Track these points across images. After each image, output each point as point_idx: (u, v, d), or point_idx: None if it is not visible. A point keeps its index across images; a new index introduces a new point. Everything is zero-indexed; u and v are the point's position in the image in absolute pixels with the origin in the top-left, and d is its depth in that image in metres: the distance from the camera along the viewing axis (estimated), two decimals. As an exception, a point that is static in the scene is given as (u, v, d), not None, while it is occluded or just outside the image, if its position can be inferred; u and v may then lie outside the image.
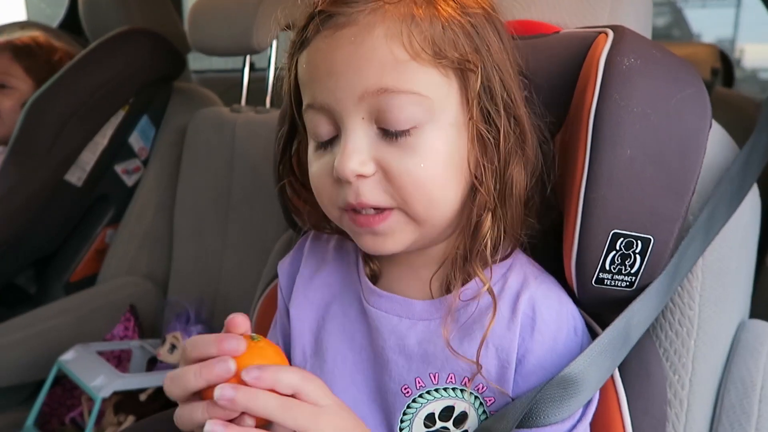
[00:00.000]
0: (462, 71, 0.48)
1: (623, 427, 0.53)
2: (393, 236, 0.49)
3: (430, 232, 0.51)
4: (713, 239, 0.56)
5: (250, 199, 1.22)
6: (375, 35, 0.45)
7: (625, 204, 0.51)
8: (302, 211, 0.62)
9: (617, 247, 0.51)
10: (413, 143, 0.47)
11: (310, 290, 0.59)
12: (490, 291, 0.50)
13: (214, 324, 1.13)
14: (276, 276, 0.79)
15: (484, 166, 0.49)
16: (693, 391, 0.59)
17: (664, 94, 0.51)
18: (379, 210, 0.48)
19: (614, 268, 0.52)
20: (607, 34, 0.57)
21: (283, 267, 0.63)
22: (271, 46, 1.25)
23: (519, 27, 0.60)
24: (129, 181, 1.41)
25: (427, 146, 0.47)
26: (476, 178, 0.49)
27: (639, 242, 0.51)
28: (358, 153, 0.47)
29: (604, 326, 0.56)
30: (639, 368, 0.57)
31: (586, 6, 0.71)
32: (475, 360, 0.49)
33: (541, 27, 0.70)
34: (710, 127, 0.52)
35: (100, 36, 1.35)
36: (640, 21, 0.71)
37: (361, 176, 0.47)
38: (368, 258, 0.57)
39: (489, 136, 0.49)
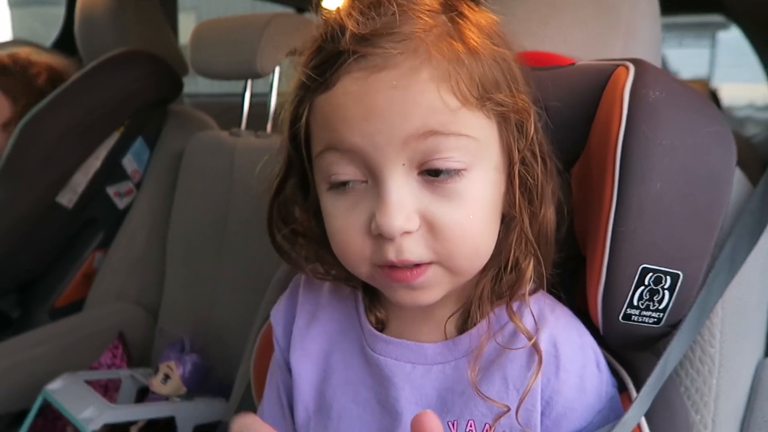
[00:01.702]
0: (502, 113, 0.45)
1: (648, 467, 0.52)
2: (430, 289, 0.46)
3: (464, 281, 0.49)
4: (736, 273, 0.55)
5: (248, 226, 1.19)
6: (422, 79, 0.42)
7: (654, 238, 0.50)
8: (295, 255, 0.57)
9: (646, 282, 0.51)
10: (460, 190, 0.44)
11: (307, 341, 0.55)
12: (536, 346, 0.48)
13: (207, 354, 1.09)
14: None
15: (522, 208, 0.47)
16: (716, 430, 0.57)
17: (690, 128, 0.51)
18: (416, 264, 0.45)
19: (642, 304, 0.51)
20: (627, 67, 0.57)
21: (277, 316, 0.58)
22: (273, 72, 1.24)
23: (532, 58, 0.60)
24: (120, 203, 1.38)
25: (474, 193, 0.44)
26: (516, 219, 0.47)
27: (668, 278, 0.50)
28: (403, 207, 0.43)
29: (626, 363, 0.55)
30: (661, 408, 0.56)
31: (599, 40, 0.72)
32: (501, 403, 0.47)
33: (555, 59, 0.70)
34: (735, 161, 0.52)
35: (95, 56, 1.33)
36: (651, 55, 0.72)
37: (406, 233, 0.43)
38: (373, 306, 0.54)
39: (529, 179, 0.47)
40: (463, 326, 0.51)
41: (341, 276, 0.54)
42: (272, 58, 1.18)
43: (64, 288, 1.33)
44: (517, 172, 0.46)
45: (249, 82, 1.32)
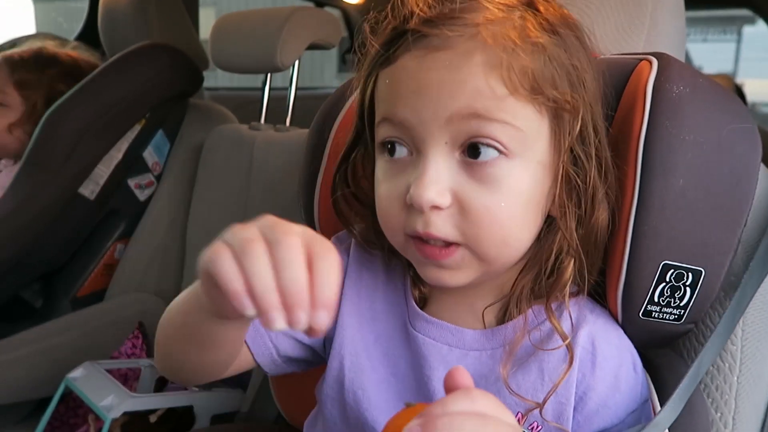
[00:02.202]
0: (556, 110, 0.46)
1: (667, 466, 0.51)
2: (459, 271, 0.47)
3: (496, 270, 0.49)
4: None
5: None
6: (473, 63, 0.43)
7: (676, 235, 0.49)
8: (347, 214, 0.58)
9: (667, 279, 0.50)
10: (497, 176, 0.44)
11: (356, 297, 0.56)
12: (569, 347, 0.48)
13: (226, 344, 1.10)
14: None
15: (567, 209, 0.47)
16: (736, 429, 0.57)
17: (715, 123, 0.50)
18: (446, 243, 0.46)
19: (663, 301, 0.51)
20: (650, 61, 0.56)
21: (337, 242, 0.59)
22: (293, 65, 1.25)
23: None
24: (141, 195, 1.39)
25: (511, 182, 0.45)
26: (559, 219, 0.47)
27: (690, 274, 0.50)
28: (437, 182, 0.44)
29: (646, 361, 0.54)
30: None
31: (622, 34, 0.71)
32: (532, 399, 0.48)
33: (577, 53, 0.69)
34: (761, 158, 0.51)
35: (118, 50, 1.34)
36: (674, 49, 0.71)
37: (435, 207, 0.44)
38: (418, 280, 0.55)
39: (578, 180, 0.47)
40: (503, 318, 0.52)
41: (391, 248, 0.54)
42: (292, 52, 1.18)
43: (86, 278, 1.35)
44: (562, 171, 0.46)
45: (269, 76, 1.32)
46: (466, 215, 0.45)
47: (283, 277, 0.33)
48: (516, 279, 0.51)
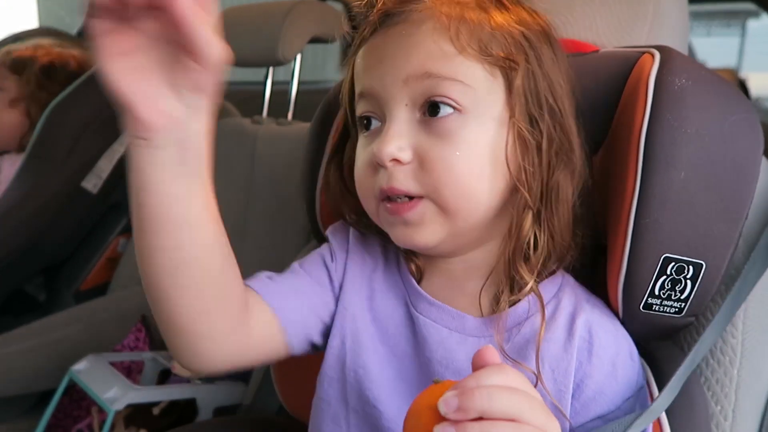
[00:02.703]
0: (507, 71, 0.49)
1: (666, 457, 0.52)
2: (423, 227, 0.50)
3: (462, 228, 0.50)
4: None
5: (270, 212, 1.20)
6: (424, 28, 0.48)
7: (677, 228, 0.49)
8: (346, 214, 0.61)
9: (668, 272, 0.50)
10: (452, 130, 0.48)
11: (357, 277, 0.57)
12: (538, 295, 0.50)
13: (228, 337, 1.11)
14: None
15: (524, 168, 0.49)
16: (736, 422, 0.57)
17: (717, 117, 0.50)
18: (409, 198, 0.49)
19: (664, 294, 0.51)
20: (652, 54, 0.56)
21: (338, 234, 0.60)
22: (294, 59, 1.24)
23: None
24: (144, 189, 1.39)
25: (465, 136, 0.48)
26: (518, 179, 0.49)
27: (691, 267, 0.50)
28: (398, 138, 0.48)
29: (646, 352, 0.55)
30: (681, 398, 0.55)
31: (624, 26, 0.70)
32: (529, 367, 0.48)
33: (579, 46, 0.69)
34: (762, 151, 0.51)
35: (120, 44, 1.34)
36: (677, 41, 0.71)
37: (396, 161, 0.48)
38: (411, 255, 0.56)
39: (530, 138, 0.49)
40: (497, 304, 0.52)
41: (378, 229, 0.56)
42: (294, 46, 1.18)
43: (89, 272, 1.36)
44: (514, 126, 0.49)
45: (270, 70, 1.32)
46: (424, 167, 0.48)
47: None
48: (496, 253, 0.52)
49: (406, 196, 0.49)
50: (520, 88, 0.49)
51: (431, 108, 0.48)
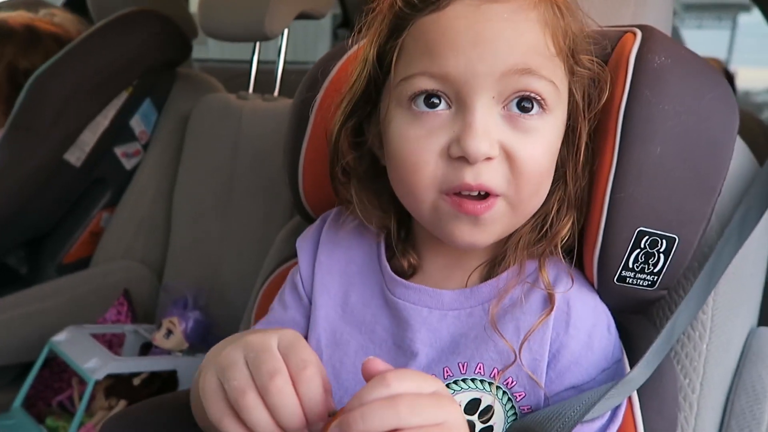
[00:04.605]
0: (572, 73, 0.49)
1: (635, 427, 0.53)
2: (492, 226, 0.48)
3: (516, 225, 0.51)
4: (745, 241, 0.55)
5: (253, 188, 1.20)
6: (530, 18, 0.45)
7: (652, 202, 0.50)
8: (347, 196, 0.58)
9: (642, 246, 0.51)
10: (536, 128, 0.47)
11: (327, 276, 0.58)
12: (551, 296, 0.51)
13: (210, 311, 1.11)
14: (280, 264, 0.79)
15: (570, 165, 0.51)
16: (703, 394, 0.58)
17: (694, 94, 0.51)
18: (485, 196, 0.47)
19: (637, 267, 0.52)
20: (634, 33, 0.56)
21: (304, 245, 0.60)
22: (282, 35, 1.24)
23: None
24: (128, 164, 1.38)
25: (548, 135, 0.48)
26: (563, 173, 0.50)
27: (664, 241, 0.51)
28: (488, 133, 0.45)
29: (620, 328, 0.56)
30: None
31: (609, 7, 0.71)
32: (512, 346, 0.49)
33: (564, 26, 0.69)
34: (737, 128, 0.52)
35: (105, 16, 1.33)
36: (661, 24, 0.71)
37: (487, 158, 0.45)
38: (406, 251, 0.55)
39: (578, 139, 0.50)
40: (486, 277, 0.53)
41: (375, 220, 0.56)
42: (281, 21, 1.17)
43: (72, 245, 1.34)
44: (570, 128, 0.50)
45: (257, 45, 1.31)
46: (513, 164, 0.46)
47: (280, 419, 0.38)
48: (515, 230, 0.52)
49: (486, 193, 0.46)
50: (583, 89, 0.50)
51: (520, 104, 0.46)
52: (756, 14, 1.88)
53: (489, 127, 0.45)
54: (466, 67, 0.45)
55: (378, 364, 0.38)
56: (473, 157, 0.44)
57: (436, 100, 0.46)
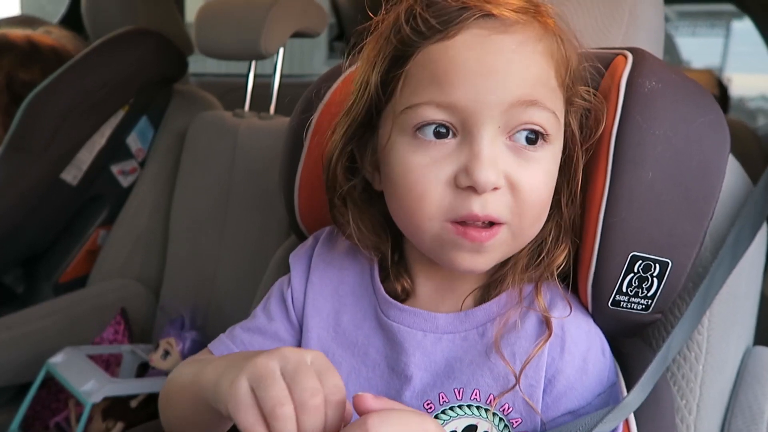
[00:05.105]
0: (569, 104, 0.50)
1: (632, 450, 0.53)
2: (493, 253, 0.49)
3: (516, 250, 0.51)
4: (738, 262, 0.56)
5: (249, 206, 1.20)
6: (536, 50, 0.46)
7: (644, 226, 0.51)
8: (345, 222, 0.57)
9: (635, 270, 0.51)
10: (538, 158, 0.47)
11: (319, 298, 0.58)
12: (548, 321, 0.51)
13: (208, 331, 1.11)
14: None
15: (565, 193, 0.51)
16: (700, 416, 0.58)
17: (685, 118, 0.51)
18: (490, 224, 0.47)
19: (631, 291, 0.52)
20: (625, 56, 0.57)
21: (296, 261, 0.60)
22: (277, 53, 1.24)
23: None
24: (125, 182, 1.38)
25: (548, 165, 0.49)
26: (557, 201, 0.51)
27: (657, 265, 0.51)
28: (495, 164, 0.45)
29: (615, 349, 0.56)
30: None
31: (601, 28, 0.71)
32: (513, 370, 0.49)
33: (556, 47, 0.70)
34: (729, 152, 0.53)
35: (101, 34, 1.33)
36: (653, 46, 0.72)
37: (494, 188, 0.46)
38: (399, 276, 0.55)
39: (574, 168, 0.51)
40: (480, 301, 0.53)
41: (370, 244, 0.56)
42: (276, 40, 1.18)
43: (68, 264, 1.34)
44: (565, 156, 0.51)
45: (253, 64, 1.32)
46: (516, 194, 0.47)
47: None
48: (512, 257, 0.52)
49: (490, 222, 0.47)
50: (574, 119, 0.51)
51: (526, 136, 0.47)
52: (749, 21, 1.89)
53: (496, 157, 0.46)
54: (474, 98, 0.45)
55: (368, 401, 0.38)
56: (482, 187, 0.45)
57: (443, 130, 0.47)
